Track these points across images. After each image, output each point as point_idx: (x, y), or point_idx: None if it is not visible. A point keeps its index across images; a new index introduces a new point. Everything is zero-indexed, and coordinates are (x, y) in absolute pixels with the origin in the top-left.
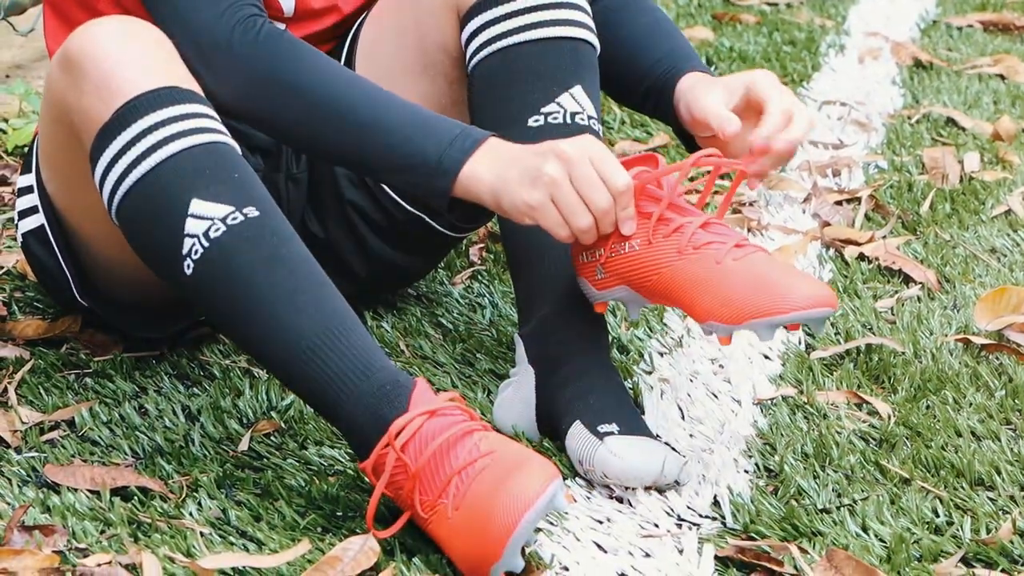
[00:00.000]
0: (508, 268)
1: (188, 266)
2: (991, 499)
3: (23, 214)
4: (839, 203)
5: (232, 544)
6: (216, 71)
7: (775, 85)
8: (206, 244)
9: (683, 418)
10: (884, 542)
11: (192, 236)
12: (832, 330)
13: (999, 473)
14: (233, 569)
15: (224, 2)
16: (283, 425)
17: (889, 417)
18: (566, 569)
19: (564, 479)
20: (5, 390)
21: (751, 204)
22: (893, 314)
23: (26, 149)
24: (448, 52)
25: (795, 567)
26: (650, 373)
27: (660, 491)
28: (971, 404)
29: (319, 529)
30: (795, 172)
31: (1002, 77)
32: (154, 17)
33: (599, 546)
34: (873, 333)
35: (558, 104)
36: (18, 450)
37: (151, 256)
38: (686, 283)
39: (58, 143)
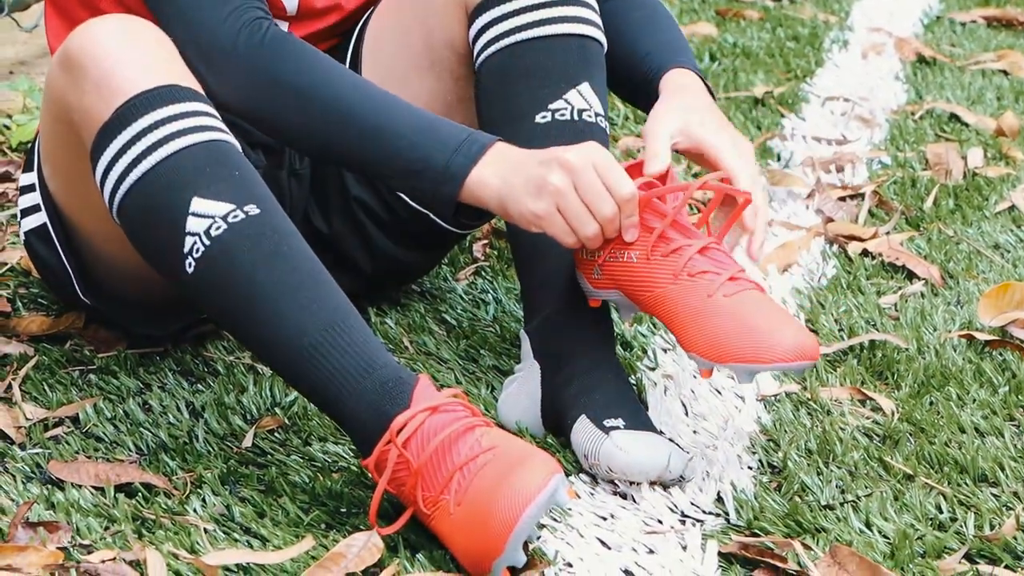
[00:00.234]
0: (513, 264)
1: (189, 264)
2: (995, 495)
3: (25, 212)
4: (843, 199)
5: (236, 540)
6: (220, 73)
7: (741, 172)
8: (207, 242)
9: (687, 414)
10: (888, 538)
11: (193, 234)
12: (835, 326)
13: (1003, 469)
14: (237, 565)
15: (229, 4)
16: (287, 421)
17: (892, 413)
18: (570, 565)
19: (568, 475)
20: (9, 386)
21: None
22: (896, 310)
23: (28, 146)
24: (455, 49)
25: (799, 563)
26: (654, 369)
27: (664, 487)
28: (975, 400)
29: (323, 525)
30: (799, 168)
31: (1005, 73)
32: (157, 18)
33: (603, 542)
34: (877, 329)
35: (565, 101)
36: (22, 446)
37: (152, 254)
38: (676, 309)
39: (59, 141)
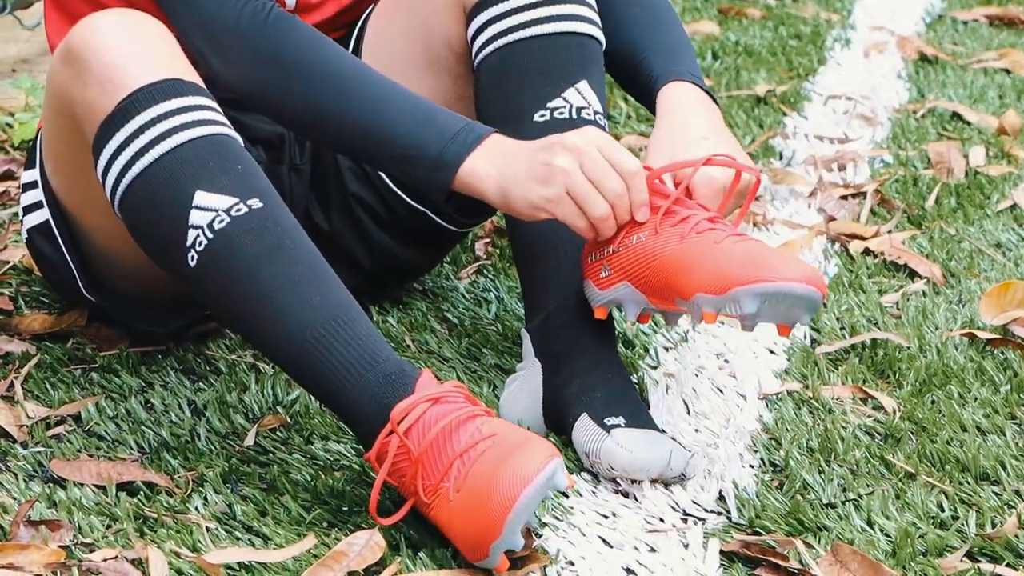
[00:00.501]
0: (514, 263)
1: (192, 257)
2: (996, 493)
3: (27, 209)
4: (844, 198)
5: (238, 539)
6: (224, 53)
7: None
8: (210, 235)
9: (688, 413)
10: (889, 537)
11: (196, 227)
12: (837, 325)
13: (1004, 468)
14: (239, 564)
15: None
16: (289, 420)
17: (894, 412)
18: (571, 564)
19: (570, 473)
20: (11, 385)
21: (757, 199)
22: (898, 309)
23: (30, 144)
24: (452, 48)
25: (800, 562)
26: (655, 368)
27: (666, 485)
28: (976, 399)
29: (325, 524)
30: (800, 167)
31: (1007, 71)
32: (161, 9)
33: (604, 540)
34: (878, 328)
35: (564, 99)
36: (24, 445)
37: (154, 248)
38: (683, 262)
39: (61, 137)
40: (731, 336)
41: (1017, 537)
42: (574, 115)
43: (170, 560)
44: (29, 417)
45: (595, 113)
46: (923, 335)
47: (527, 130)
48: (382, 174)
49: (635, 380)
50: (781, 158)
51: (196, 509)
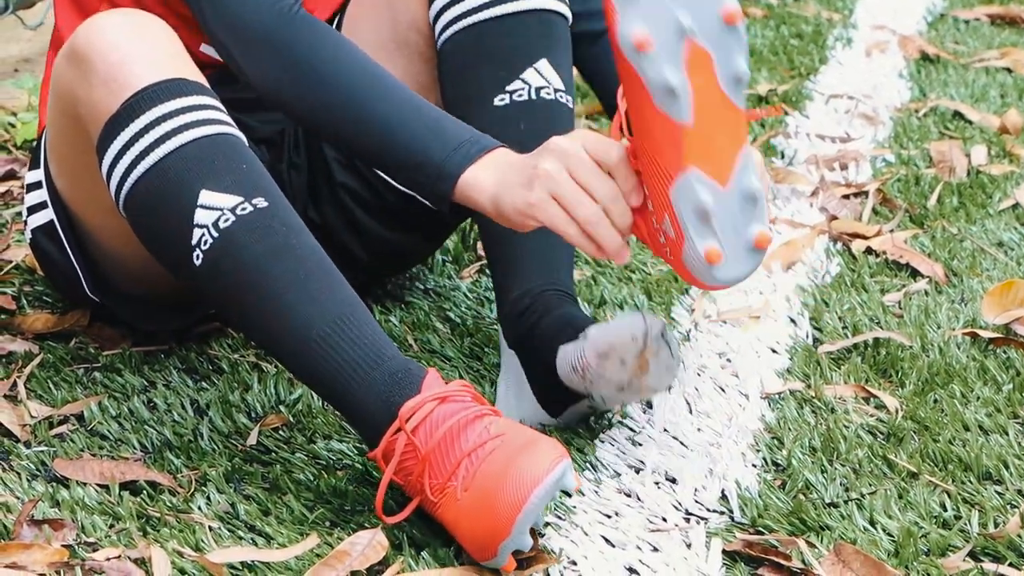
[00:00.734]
0: (488, 266)
1: (198, 256)
2: (999, 493)
3: (31, 210)
4: (846, 197)
5: (241, 538)
6: (246, 51)
7: None
8: (216, 234)
9: (691, 412)
10: (892, 536)
11: (202, 226)
12: (839, 324)
13: (1007, 467)
14: (242, 563)
15: None
16: (291, 419)
17: (897, 411)
18: (574, 563)
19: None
20: (14, 384)
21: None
22: (900, 308)
23: (34, 144)
24: (420, 31)
25: (803, 561)
26: None
27: (672, 480)
28: (979, 398)
29: (327, 523)
30: (802, 166)
31: (1009, 70)
32: (189, 7)
33: (607, 540)
34: (880, 327)
35: (522, 81)
36: (27, 444)
37: (159, 247)
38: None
39: (66, 137)
40: (733, 335)
41: (1020, 537)
42: (533, 96)
43: (173, 559)
44: (32, 416)
45: (555, 91)
46: (925, 334)
47: (488, 114)
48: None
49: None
50: (783, 157)
51: (199, 508)
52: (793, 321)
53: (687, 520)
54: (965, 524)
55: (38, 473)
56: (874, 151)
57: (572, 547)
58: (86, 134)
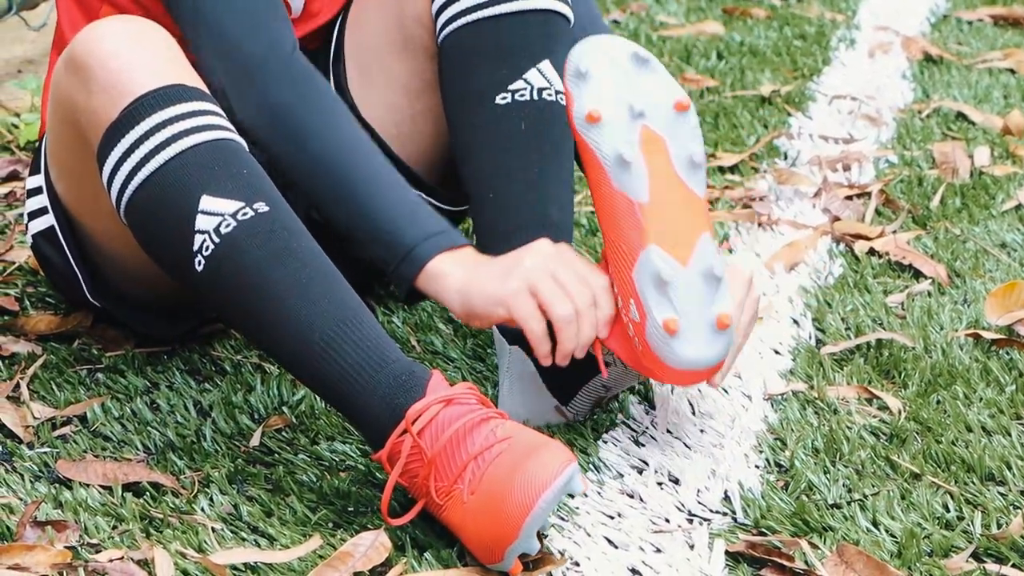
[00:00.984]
0: None
1: (199, 262)
2: (1002, 494)
3: (32, 215)
4: (849, 198)
5: (244, 540)
6: (234, 79)
7: None
8: (217, 240)
9: (693, 413)
10: (895, 537)
11: (203, 232)
12: (842, 325)
13: (1010, 468)
14: (245, 564)
15: (262, 28)
16: (294, 420)
17: (899, 412)
18: (577, 564)
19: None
20: (17, 385)
21: (761, 199)
22: (903, 309)
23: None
24: (424, 25)
25: (806, 562)
26: None
27: (675, 481)
28: (982, 399)
29: (330, 524)
30: (805, 167)
31: (1012, 71)
32: (186, 35)
33: (610, 541)
34: (883, 328)
35: (525, 80)
36: (30, 445)
37: (161, 253)
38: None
39: (66, 143)
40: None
41: (1023, 537)
42: (535, 96)
43: (176, 561)
44: (35, 418)
45: (556, 93)
46: (928, 335)
47: (489, 112)
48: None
49: (640, 381)
50: (786, 158)
51: (202, 510)
52: (796, 322)
53: (690, 521)
54: (968, 525)
55: (41, 474)
56: (877, 152)
57: (575, 548)
58: (86, 141)
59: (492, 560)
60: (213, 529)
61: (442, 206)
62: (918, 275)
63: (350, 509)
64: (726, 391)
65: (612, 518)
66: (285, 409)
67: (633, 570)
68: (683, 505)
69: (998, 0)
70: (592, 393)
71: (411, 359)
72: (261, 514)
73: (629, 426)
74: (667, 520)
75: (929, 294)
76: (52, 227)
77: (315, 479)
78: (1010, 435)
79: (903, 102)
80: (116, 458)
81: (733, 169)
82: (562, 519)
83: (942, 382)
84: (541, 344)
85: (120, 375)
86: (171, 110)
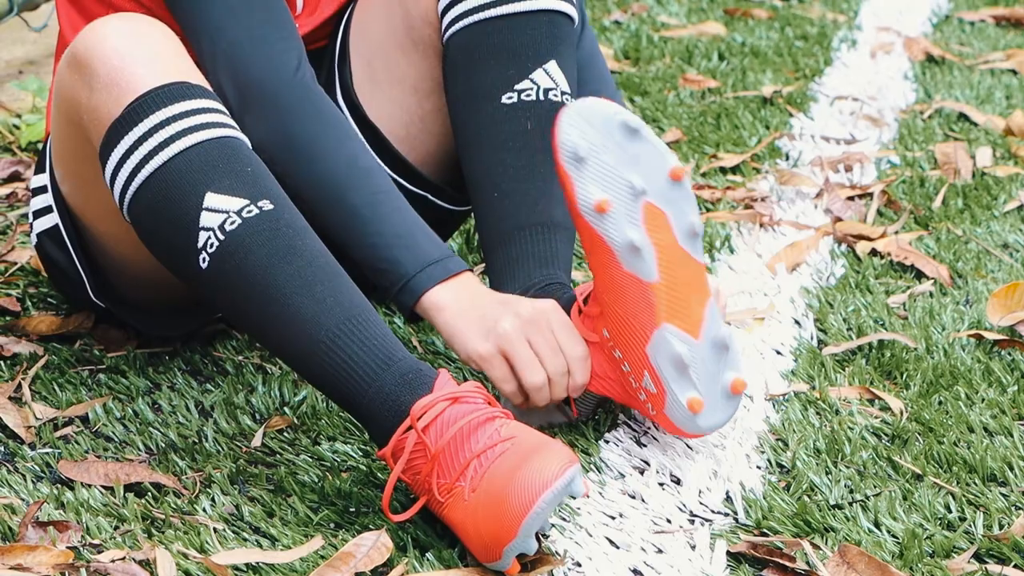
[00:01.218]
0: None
1: (204, 260)
2: (1004, 495)
3: (37, 214)
4: (851, 198)
5: (245, 540)
6: (243, 98)
7: None
8: (222, 237)
9: None
10: (896, 538)
11: (207, 229)
12: (844, 326)
13: (1012, 469)
14: (246, 565)
15: (274, 48)
16: (296, 421)
17: (901, 413)
18: (578, 565)
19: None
20: (19, 386)
21: (763, 200)
22: (905, 310)
23: (39, 147)
24: (432, 24)
25: (807, 563)
26: None
27: (676, 481)
28: (983, 400)
29: (332, 525)
30: (807, 168)
31: (1014, 72)
32: (197, 52)
33: (611, 541)
34: (885, 329)
35: (531, 81)
36: (32, 446)
37: (165, 252)
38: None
39: (70, 142)
40: (737, 336)
41: None
42: (541, 96)
43: (178, 561)
44: (37, 418)
45: (562, 94)
46: (930, 336)
47: (495, 112)
48: (381, 162)
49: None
50: (787, 159)
51: (203, 510)
52: (797, 323)
53: (691, 522)
54: (970, 526)
55: (43, 475)
56: (879, 153)
57: (576, 548)
58: (89, 139)
59: (490, 559)
60: (215, 529)
61: (447, 206)
62: (920, 276)
63: (352, 509)
64: None
65: (614, 518)
66: (287, 409)
67: (635, 571)
68: (685, 506)
69: (1000, 1)
70: (594, 393)
71: (416, 358)
72: (263, 514)
73: (631, 426)
74: (669, 521)
75: (931, 295)
76: (56, 226)
77: (317, 479)
78: (1012, 436)
79: (905, 103)
80: (118, 458)
81: (735, 170)
82: (563, 519)
83: (944, 383)
84: (513, 398)
85: (122, 376)
86: (174, 107)
